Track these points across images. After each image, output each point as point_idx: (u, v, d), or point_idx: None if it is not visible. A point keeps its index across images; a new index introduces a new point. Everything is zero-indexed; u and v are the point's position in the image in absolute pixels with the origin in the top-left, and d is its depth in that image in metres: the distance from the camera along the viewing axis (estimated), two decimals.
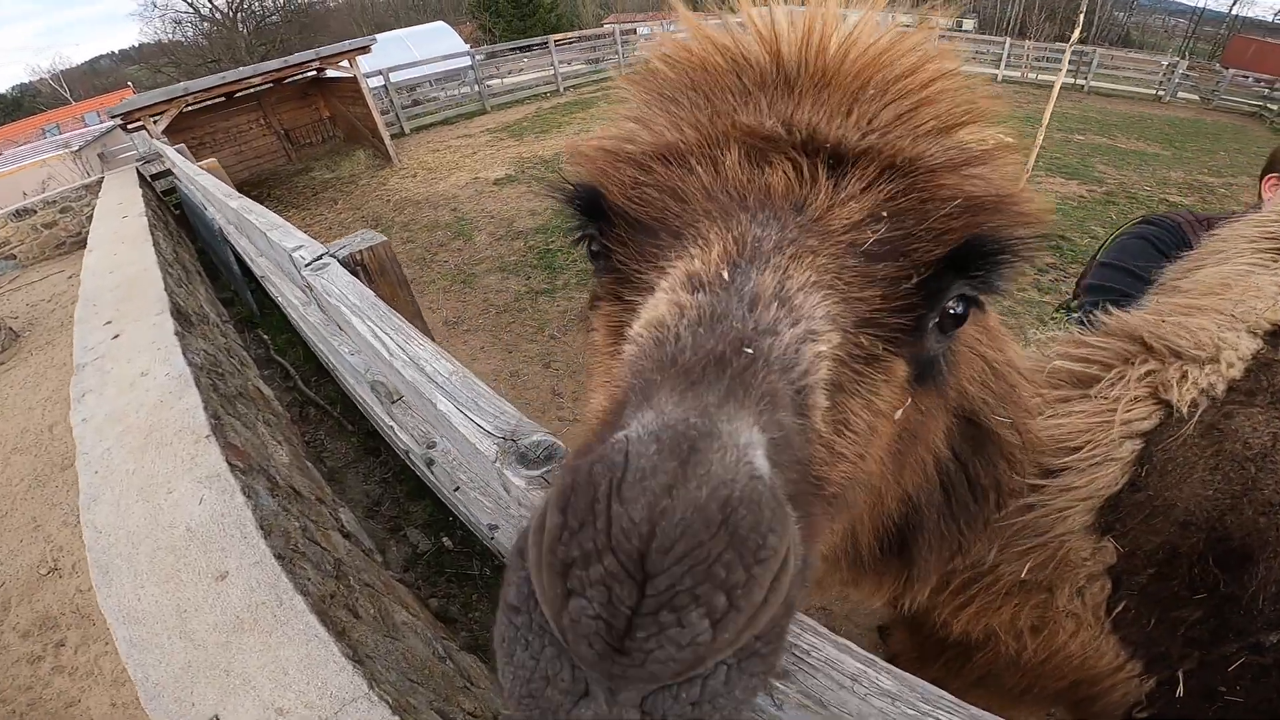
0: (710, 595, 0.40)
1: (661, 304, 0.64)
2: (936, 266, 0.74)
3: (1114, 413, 1.25)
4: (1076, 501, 1.21)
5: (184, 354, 3.43)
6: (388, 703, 1.87)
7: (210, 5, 44.38)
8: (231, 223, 4.24)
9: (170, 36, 46.61)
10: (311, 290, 2.28)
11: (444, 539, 3.81)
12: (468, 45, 25.75)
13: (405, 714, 1.87)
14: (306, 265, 2.01)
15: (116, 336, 3.76)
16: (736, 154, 0.75)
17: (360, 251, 2.01)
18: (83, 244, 8.52)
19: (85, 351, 3.64)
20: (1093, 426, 1.26)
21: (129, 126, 11.79)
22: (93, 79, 58.89)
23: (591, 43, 22.11)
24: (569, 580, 0.42)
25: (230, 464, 2.65)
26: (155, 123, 11.10)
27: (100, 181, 9.70)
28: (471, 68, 18.16)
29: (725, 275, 0.65)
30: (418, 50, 22.00)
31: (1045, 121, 7.67)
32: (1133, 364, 1.31)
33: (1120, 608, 1.19)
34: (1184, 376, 1.25)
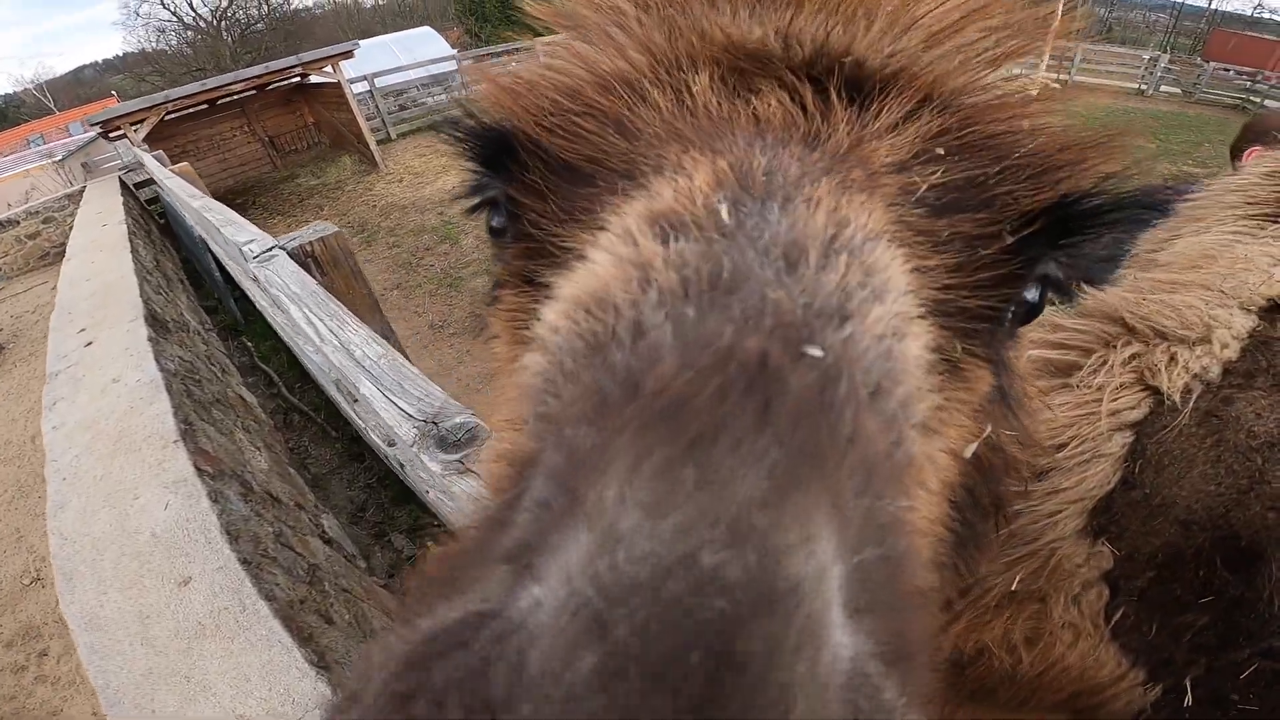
0: None
1: (602, 266, 0.39)
2: (1020, 228, 0.53)
3: (1099, 403, 1.14)
4: (1066, 504, 1.11)
5: (157, 360, 3.40)
6: None
7: (193, 13, 44.21)
8: (198, 225, 4.21)
9: (154, 45, 46.41)
10: (258, 283, 2.26)
11: (429, 544, 3.78)
12: (454, 49, 25.73)
13: None
14: (255, 257, 1.99)
15: (90, 344, 3.71)
16: (708, 78, 0.54)
17: (311, 243, 1.99)
18: (64, 254, 8.47)
19: (59, 360, 3.60)
20: (1077, 420, 1.15)
21: (110, 135, 11.72)
22: (76, 89, 58.54)
23: None
24: None
25: (198, 469, 2.61)
26: (136, 131, 11.03)
27: (83, 191, 9.63)
28: (458, 72, 18.14)
29: (725, 213, 0.39)
30: (404, 55, 21.94)
31: None
32: (1114, 347, 1.20)
33: (1119, 615, 1.09)
34: (1173, 359, 1.14)
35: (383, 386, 1.35)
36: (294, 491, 3.64)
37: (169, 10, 43.90)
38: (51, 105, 50.39)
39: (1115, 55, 22.84)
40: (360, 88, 15.10)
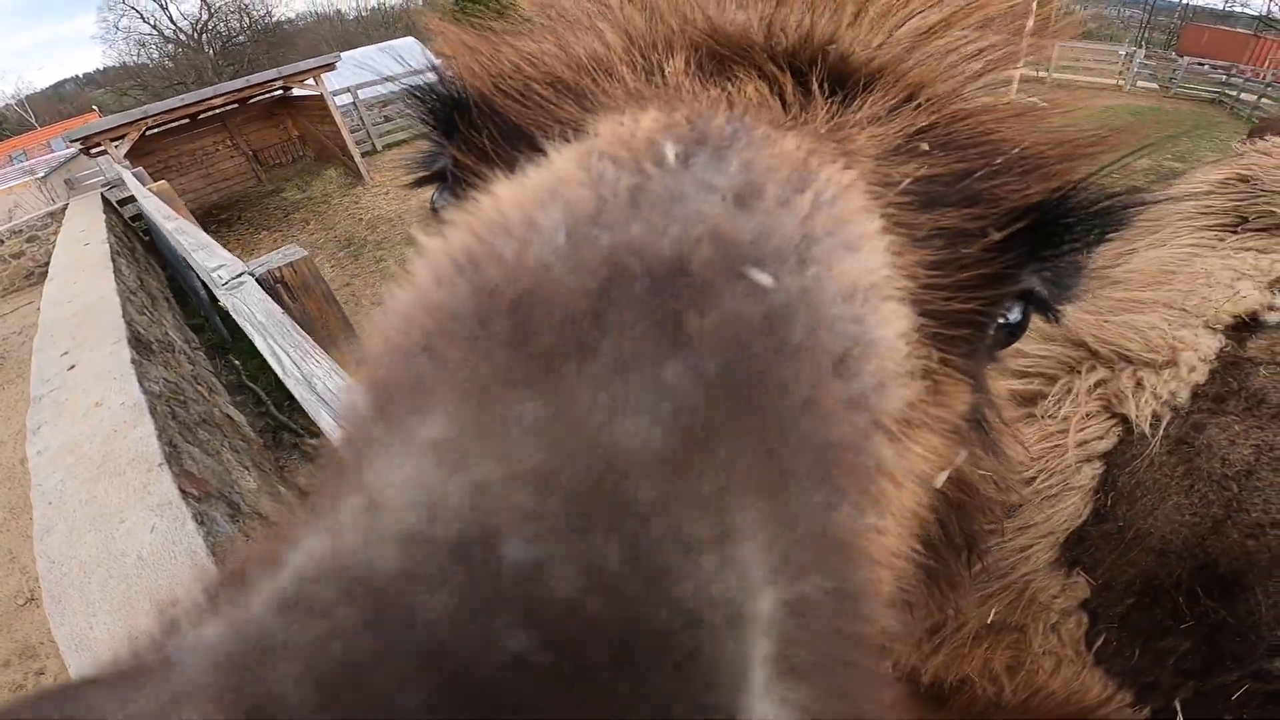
0: None
1: (504, 190, 0.32)
2: (1008, 224, 0.50)
3: (1066, 434, 1.10)
4: (1038, 539, 1.08)
5: (140, 382, 3.41)
6: None
7: (174, 27, 43.95)
8: (178, 246, 4.23)
9: (135, 59, 46.12)
10: (231, 309, 2.30)
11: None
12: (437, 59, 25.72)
13: None
14: (224, 284, 2.02)
15: (73, 367, 3.72)
16: (683, 61, 0.52)
17: (279, 269, 2.02)
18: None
19: (42, 383, 3.61)
20: (1045, 452, 1.11)
21: (91, 151, 11.67)
22: (57, 104, 58.01)
23: None
24: None
25: (183, 491, 2.64)
26: (117, 146, 10.99)
27: (65, 209, 9.58)
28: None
29: (670, 152, 0.32)
30: (387, 66, 21.90)
31: None
32: (1079, 373, 1.16)
33: (1101, 641, 1.06)
34: (1139, 385, 1.10)
35: (340, 420, 1.40)
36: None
37: (148, 23, 43.68)
38: (33, 120, 49.93)
39: (1092, 51, 23.18)
40: (344, 99, 15.10)
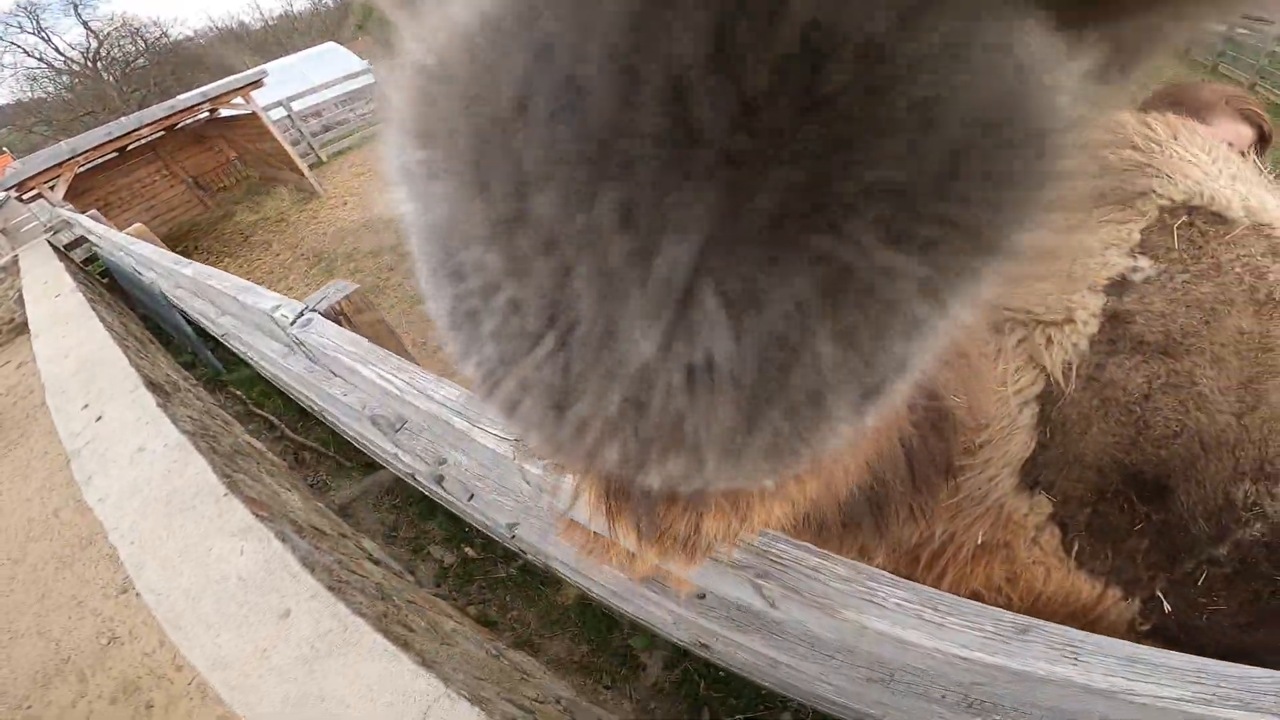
0: None
1: None
2: None
3: (1005, 386, 1.32)
4: (1001, 469, 1.31)
5: (173, 423, 3.48)
6: (465, 697, 2.07)
7: (63, 58, 40.96)
8: (184, 288, 4.22)
9: (30, 94, 43.02)
10: (303, 345, 2.40)
11: (466, 549, 3.98)
12: (365, 61, 24.95)
13: (482, 705, 2.08)
14: (291, 324, 2.13)
15: (99, 419, 3.75)
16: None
17: (339, 302, 2.15)
18: (16, 331, 8.09)
19: (73, 438, 3.64)
20: (996, 401, 1.33)
21: (24, 197, 11.12)
22: None
23: None
24: None
25: (256, 515, 2.76)
26: (52, 189, 10.51)
27: (15, 261, 9.19)
28: (377, 84, 17.65)
29: None
30: (314, 74, 21.16)
31: None
32: (1004, 333, 1.39)
33: (1077, 548, 1.27)
34: (1050, 340, 1.34)
35: (471, 420, 1.57)
36: (332, 523, 3.79)
37: (34, 57, 40.59)
38: None
39: None
40: (278, 114, 14.59)
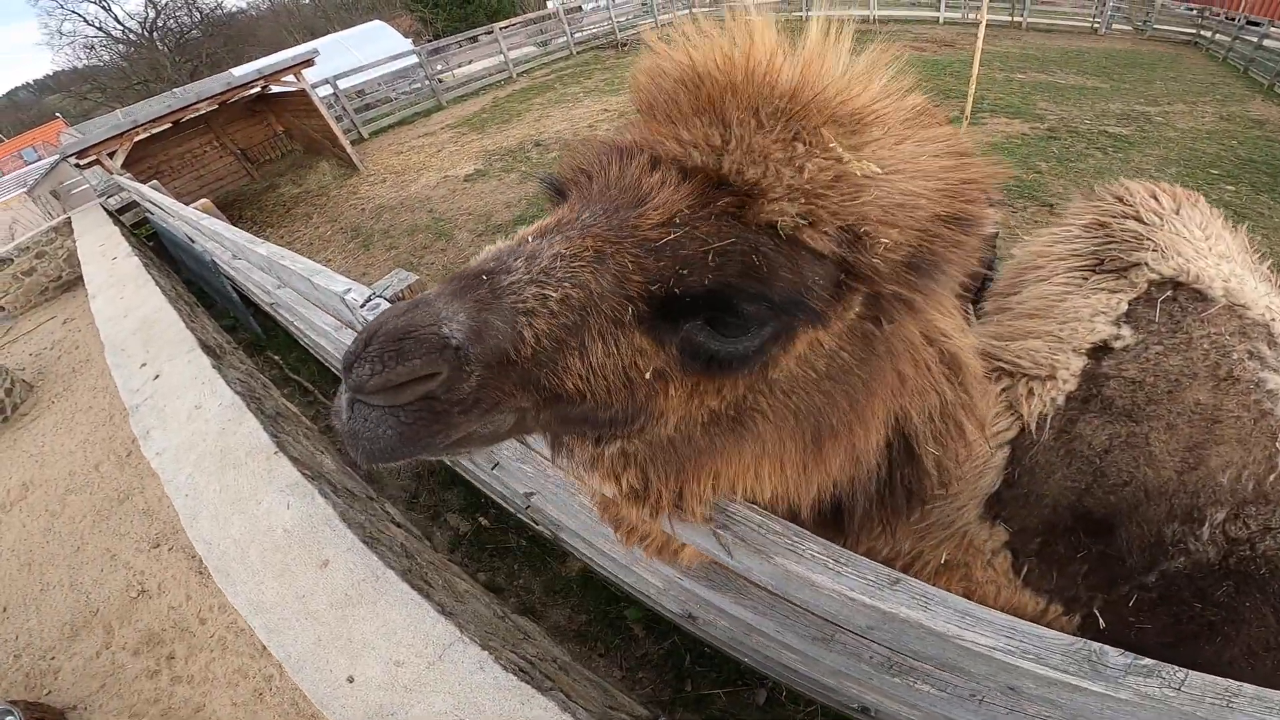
0: (381, 358, 0.74)
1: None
2: (693, 290, 0.83)
3: (984, 430, 1.40)
4: (968, 500, 1.48)
5: (228, 384, 3.78)
6: (477, 643, 2.31)
7: (121, 27, 42.08)
8: (254, 263, 4.49)
9: (85, 62, 44.29)
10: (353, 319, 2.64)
11: (480, 519, 4.25)
12: (409, 40, 25.33)
13: (491, 652, 2.32)
14: (361, 306, 2.37)
15: (157, 377, 4.07)
16: (643, 159, 0.90)
17: (402, 290, 2.39)
18: (64, 288, 8.62)
19: (132, 394, 3.96)
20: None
21: (82, 163, 11.67)
22: (14, 112, 56.03)
23: (538, 25, 21.94)
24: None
25: (302, 473, 3.04)
26: (111, 157, 11.02)
27: (69, 223, 9.70)
28: (420, 65, 18.01)
29: (530, 238, 0.88)
30: (360, 53, 21.55)
31: (975, 70, 8.18)
32: (991, 381, 1.55)
33: (1025, 570, 1.45)
34: (1030, 393, 1.51)
35: None
36: (361, 486, 4.08)
37: (94, 26, 41.74)
38: None
39: None
40: (324, 90, 15.01)
